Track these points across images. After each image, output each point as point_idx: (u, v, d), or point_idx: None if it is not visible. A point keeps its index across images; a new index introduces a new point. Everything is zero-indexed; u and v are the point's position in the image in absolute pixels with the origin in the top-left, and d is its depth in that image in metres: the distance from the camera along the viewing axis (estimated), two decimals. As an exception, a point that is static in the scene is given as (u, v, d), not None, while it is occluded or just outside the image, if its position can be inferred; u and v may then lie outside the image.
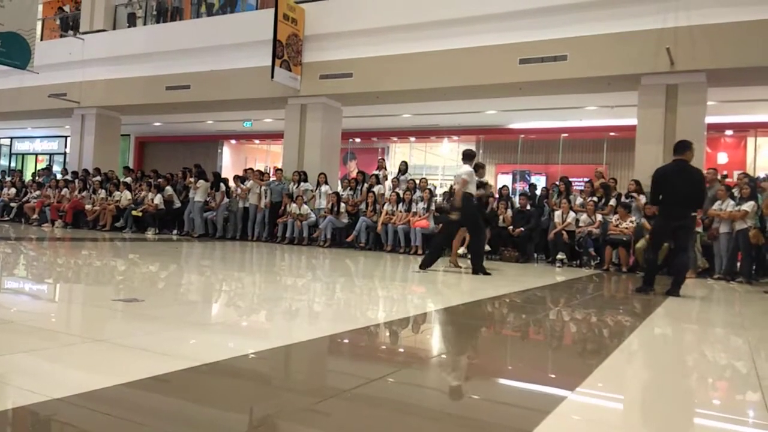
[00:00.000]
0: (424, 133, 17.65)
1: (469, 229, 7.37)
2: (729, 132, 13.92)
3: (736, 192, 8.49)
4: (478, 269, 6.96)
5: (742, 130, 13.78)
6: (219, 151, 20.70)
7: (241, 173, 13.23)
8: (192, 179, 12.69)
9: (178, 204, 13.06)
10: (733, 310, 5.36)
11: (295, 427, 1.71)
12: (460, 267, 7.52)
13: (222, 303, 4.29)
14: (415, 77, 11.34)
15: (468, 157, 7.29)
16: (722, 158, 14.01)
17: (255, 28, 12.57)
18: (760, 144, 13.90)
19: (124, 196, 13.39)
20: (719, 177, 9.74)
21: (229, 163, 20.58)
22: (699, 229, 8.36)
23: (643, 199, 8.60)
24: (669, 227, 5.74)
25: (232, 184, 12.89)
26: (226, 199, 12.45)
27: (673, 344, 3.63)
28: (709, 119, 10.01)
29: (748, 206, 7.90)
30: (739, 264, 8.22)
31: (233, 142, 20.88)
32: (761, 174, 10.07)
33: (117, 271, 5.92)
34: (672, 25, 9.16)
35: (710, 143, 12.41)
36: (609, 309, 5.07)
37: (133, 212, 12.96)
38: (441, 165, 18.47)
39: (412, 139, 18.33)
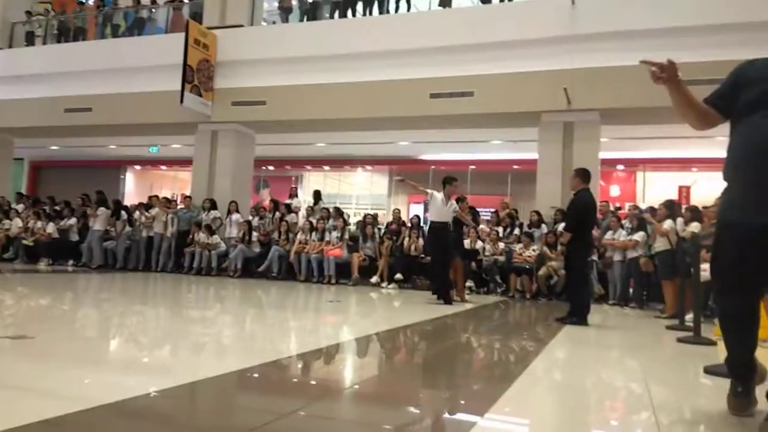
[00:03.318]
0: (337, 163, 17.75)
1: (432, 258, 7.64)
2: (620, 167, 15.05)
3: (627, 223, 9.14)
4: (443, 298, 7.20)
5: (633, 165, 14.95)
6: (122, 177, 19.75)
7: (145, 200, 12.67)
8: (91, 206, 11.99)
9: (76, 237, 12.26)
10: (627, 334, 5.72)
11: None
12: (467, 301, 7.68)
13: (121, 339, 4.04)
14: (328, 107, 11.43)
15: (444, 182, 7.42)
16: (615, 191, 15.10)
17: (164, 52, 12.23)
18: (649, 178, 15.12)
19: (15, 224, 12.41)
20: (612, 209, 10.46)
21: (133, 189, 19.67)
22: (595, 257, 8.91)
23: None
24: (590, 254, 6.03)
25: (136, 213, 12.27)
26: (128, 228, 11.84)
27: (574, 367, 3.80)
28: (603, 154, 10.77)
29: (639, 236, 8.51)
30: (631, 290, 8.81)
31: (137, 168, 20.01)
32: (643, 206, 10.90)
33: (3, 305, 5.44)
34: (569, 66, 9.84)
35: (603, 177, 13.32)
36: (514, 335, 5.25)
37: (24, 241, 12.04)
38: (355, 194, 18.60)
39: (326, 168, 18.37)
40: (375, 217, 11.54)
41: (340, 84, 11.28)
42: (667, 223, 7.38)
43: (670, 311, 7.00)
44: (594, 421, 2.49)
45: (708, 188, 12.87)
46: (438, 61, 10.61)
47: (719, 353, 4.20)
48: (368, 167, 18.02)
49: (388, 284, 9.96)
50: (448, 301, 7.20)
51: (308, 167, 18.50)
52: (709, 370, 3.39)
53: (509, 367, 3.70)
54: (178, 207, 12.17)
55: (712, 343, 4.71)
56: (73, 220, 12.36)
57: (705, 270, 6.78)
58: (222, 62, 12.21)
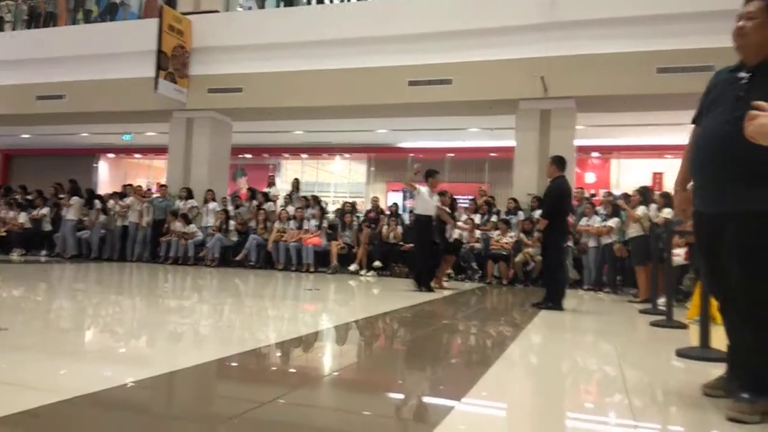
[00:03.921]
0: (316, 151, 17.65)
1: (416, 249, 7.69)
2: (595, 154, 15.23)
3: (601, 209, 9.27)
4: (422, 285, 7.26)
5: (607, 152, 15.14)
6: (95, 165, 19.39)
7: (119, 189, 12.48)
8: (64, 196, 11.76)
9: (49, 227, 12.02)
10: (602, 318, 5.82)
11: (179, 458, 1.62)
12: (445, 288, 7.78)
13: (97, 329, 4.00)
14: (306, 94, 11.34)
15: (426, 175, 7.46)
16: (590, 178, 15.29)
17: (137, 38, 11.98)
18: (623, 165, 15.33)
19: (-15, 214, 12.13)
20: (587, 195, 10.60)
21: (107, 178, 19.34)
22: (570, 243, 9.03)
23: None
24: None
25: (110, 202, 12.06)
26: (102, 217, 11.65)
27: (549, 352, 3.87)
28: (578, 142, 10.90)
29: (613, 222, 8.64)
30: (605, 275, 8.97)
31: (111, 156, 19.66)
32: (617, 192, 11.07)
33: (-26, 297, 5.33)
34: (546, 54, 9.89)
35: (579, 164, 13.47)
36: (491, 320, 5.32)
37: (-5, 232, 11.79)
38: (333, 182, 18.53)
39: (304, 156, 18.26)
40: (353, 205, 11.53)
41: (317, 71, 11.20)
42: (641, 209, 7.50)
43: (643, 296, 7.15)
44: (569, 404, 2.54)
45: (680, 175, 13.10)
46: (417, 48, 10.59)
47: (691, 336, 4.31)
48: (346, 155, 17.95)
49: (367, 272, 9.98)
50: (429, 288, 7.26)
51: (286, 155, 18.37)
52: (682, 353, 3.47)
53: (486, 352, 3.74)
54: (154, 196, 12.00)
55: (684, 327, 4.82)
56: (45, 210, 12.13)
57: (677, 255, 6.94)
58: (197, 48, 12.02)
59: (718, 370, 2.53)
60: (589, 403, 2.58)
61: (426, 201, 7.39)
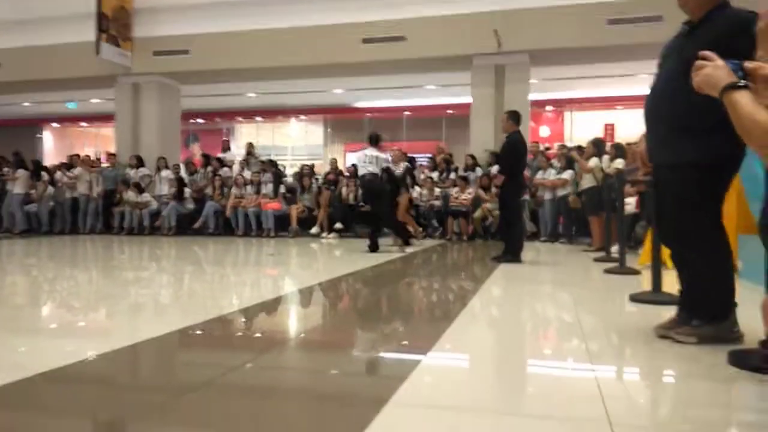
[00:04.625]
0: (270, 113, 17.32)
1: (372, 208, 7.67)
2: (549, 107, 15.42)
3: (556, 162, 9.44)
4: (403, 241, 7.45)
5: (560, 105, 15.36)
6: (39, 136, 18.60)
7: (66, 160, 12.01)
8: (8, 169, 11.26)
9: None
10: (558, 268, 6.00)
11: (149, 427, 1.62)
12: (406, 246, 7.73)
13: (54, 304, 3.90)
14: (256, 55, 11.04)
15: (372, 140, 7.38)
16: (544, 131, 15.53)
17: (75, 0, 11.35)
18: (576, 118, 15.60)
19: None
20: (542, 149, 10.77)
21: (53, 149, 18.59)
22: (527, 196, 9.21)
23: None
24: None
25: (58, 173, 11.62)
26: (50, 189, 11.23)
27: (510, 303, 3.98)
28: (532, 96, 11.00)
29: (568, 174, 8.83)
30: (561, 227, 9.21)
31: (55, 125, 18.86)
32: (570, 145, 11.28)
33: None
34: (500, 8, 9.85)
35: (533, 118, 13.63)
36: (453, 275, 5.42)
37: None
38: (290, 145, 18.28)
39: (259, 119, 17.91)
40: (312, 167, 11.42)
41: (268, 30, 10.89)
42: (593, 161, 7.67)
43: (597, 245, 7.39)
44: (530, 352, 2.64)
45: (631, 125, 13.43)
46: (370, 4, 10.39)
47: (643, 281, 4.49)
48: (302, 117, 17.68)
49: (329, 234, 9.98)
50: (407, 242, 7.48)
51: (240, 119, 17.97)
52: (635, 298, 3.62)
53: (449, 306, 3.82)
54: (103, 165, 11.61)
55: (637, 273, 5.02)
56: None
57: (629, 204, 7.16)
58: (140, 9, 11.50)
59: (670, 311, 2.66)
60: (548, 349, 2.68)
61: (382, 160, 7.39)
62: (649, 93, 2.58)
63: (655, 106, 2.51)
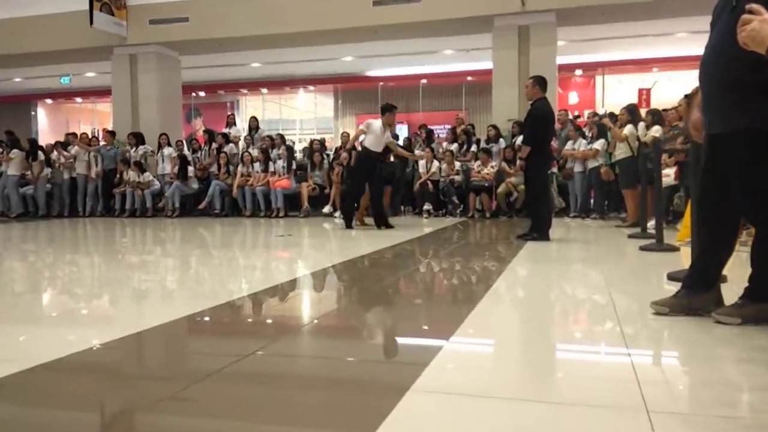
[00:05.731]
0: (277, 84, 17.28)
1: (352, 185, 7.82)
2: (579, 72, 15.18)
3: (587, 131, 9.33)
4: (380, 223, 7.44)
5: (591, 69, 15.11)
6: (32, 113, 18.77)
7: (62, 138, 12.13)
8: (2, 149, 11.41)
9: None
10: (589, 246, 5.97)
11: (157, 419, 1.65)
12: (366, 224, 7.84)
13: (55, 291, 3.97)
14: (260, 21, 10.98)
15: (382, 110, 7.42)
16: (573, 98, 15.31)
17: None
18: (608, 83, 15.35)
19: None
20: (570, 117, 10.64)
21: (47, 127, 18.78)
22: (555, 169, 9.14)
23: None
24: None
25: (54, 153, 11.73)
26: (46, 170, 11.36)
27: (537, 284, 3.97)
28: (560, 60, 10.83)
29: (599, 144, 8.73)
30: (592, 201, 9.13)
31: (49, 102, 19.03)
32: (602, 112, 11.14)
33: None
34: (522, -37, 9.66)
35: (561, 83, 13.45)
36: (476, 256, 5.42)
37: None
38: (299, 118, 18.27)
39: (264, 90, 17.89)
40: (322, 142, 11.41)
41: (271, -6, 10.81)
42: (627, 129, 7.56)
43: (632, 220, 7.32)
44: (559, 336, 2.64)
45: (669, 89, 13.19)
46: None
47: (683, 259, 4.46)
48: (311, 87, 17.61)
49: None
50: (349, 224, 7.57)
51: (244, 91, 17.97)
52: (673, 276, 3.59)
53: (472, 288, 3.83)
54: (101, 144, 11.71)
55: (675, 249, 4.98)
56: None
57: (667, 175, 7.08)
58: (134, -26, 11.47)
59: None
60: (579, 333, 2.68)
61: (377, 137, 7.38)
62: (703, 54, 2.52)
63: (706, 69, 2.45)
